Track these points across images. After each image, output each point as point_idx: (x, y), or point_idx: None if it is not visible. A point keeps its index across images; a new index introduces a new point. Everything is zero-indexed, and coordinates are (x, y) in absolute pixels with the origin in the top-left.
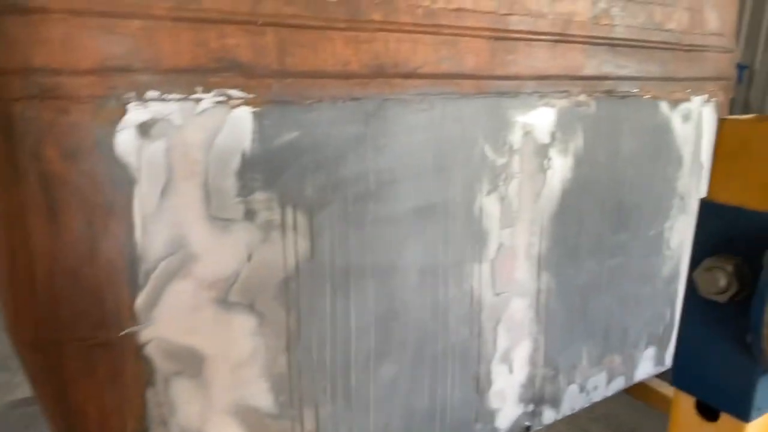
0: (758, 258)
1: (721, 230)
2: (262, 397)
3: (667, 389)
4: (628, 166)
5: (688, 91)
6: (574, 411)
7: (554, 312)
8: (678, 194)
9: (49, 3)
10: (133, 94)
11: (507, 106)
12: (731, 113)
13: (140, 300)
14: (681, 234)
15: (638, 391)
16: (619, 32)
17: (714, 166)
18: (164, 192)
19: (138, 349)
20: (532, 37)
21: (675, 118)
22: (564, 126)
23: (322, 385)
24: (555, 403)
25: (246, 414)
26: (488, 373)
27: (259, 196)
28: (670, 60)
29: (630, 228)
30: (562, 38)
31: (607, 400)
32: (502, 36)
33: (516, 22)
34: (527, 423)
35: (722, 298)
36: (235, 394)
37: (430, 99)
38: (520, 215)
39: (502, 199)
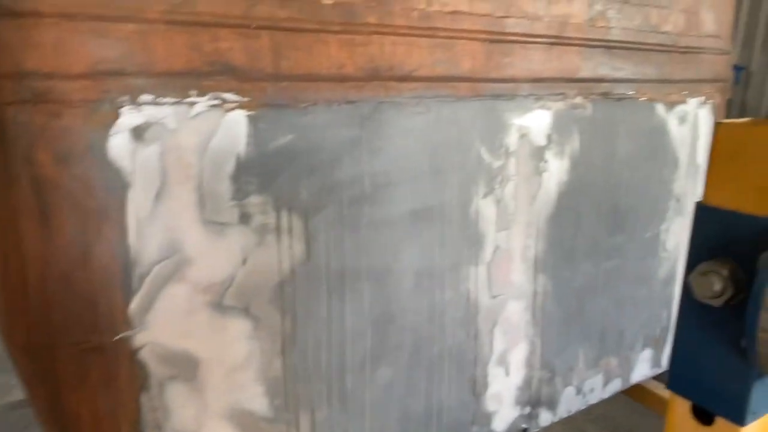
0: (753, 262)
1: (716, 234)
2: (257, 401)
3: (664, 391)
4: (625, 168)
5: (685, 93)
6: (571, 413)
7: (551, 314)
8: (674, 196)
9: (42, 7)
10: (126, 97)
11: (503, 109)
12: (728, 114)
13: (134, 304)
14: (677, 236)
15: (635, 393)
16: (615, 34)
17: (709, 169)
18: (158, 196)
19: (132, 354)
20: (528, 39)
21: (671, 120)
22: (560, 128)
23: (317, 389)
24: (551, 405)
25: (241, 418)
26: (485, 376)
27: (254, 200)
28: (666, 62)
29: (626, 230)
30: (558, 41)
31: (604, 401)
32: (497, 39)
33: (512, 25)
34: (524, 425)
35: (717, 303)
36: (230, 398)
37: (425, 102)
38: (516, 218)
39: (498, 201)
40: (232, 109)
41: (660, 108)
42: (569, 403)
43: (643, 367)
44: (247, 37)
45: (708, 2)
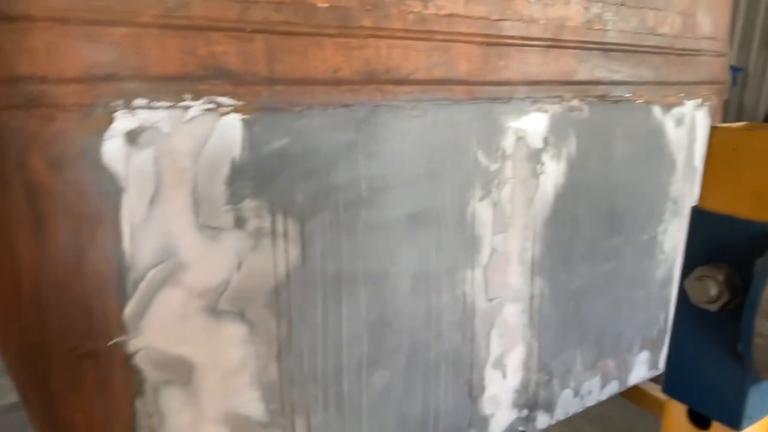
0: (749, 267)
1: (712, 239)
2: (252, 405)
3: (661, 393)
4: (622, 170)
5: (681, 95)
6: (568, 416)
7: (548, 317)
8: (671, 198)
9: (34, 11)
10: (120, 102)
11: (499, 112)
12: (725, 116)
13: (129, 309)
14: (674, 238)
15: (632, 395)
16: (612, 37)
17: (705, 174)
18: (152, 201)
19: (127, 359)
20: (524, 42)
21: (668, 123)
22: (557, 131)
23: (313, 393)
24: (549, 407)
25: (236, 423)
26: (481, 379)
27: (249, 204)
28: (663, 64)
29: (623, 232)
30: (554, 43)
31: (602, 402)
32: (494, 41)
33: (508, 28)
34: (521, 428)
35: (713, 307)
36: (226, 403)
37: (422, 105)
38: (513, 220)
39: (495, 204)
40: (227, 113)
41: (657, 110)
42: (566, 405)
43: (641, 369)
44: (241, 41)
45: (705, 4)
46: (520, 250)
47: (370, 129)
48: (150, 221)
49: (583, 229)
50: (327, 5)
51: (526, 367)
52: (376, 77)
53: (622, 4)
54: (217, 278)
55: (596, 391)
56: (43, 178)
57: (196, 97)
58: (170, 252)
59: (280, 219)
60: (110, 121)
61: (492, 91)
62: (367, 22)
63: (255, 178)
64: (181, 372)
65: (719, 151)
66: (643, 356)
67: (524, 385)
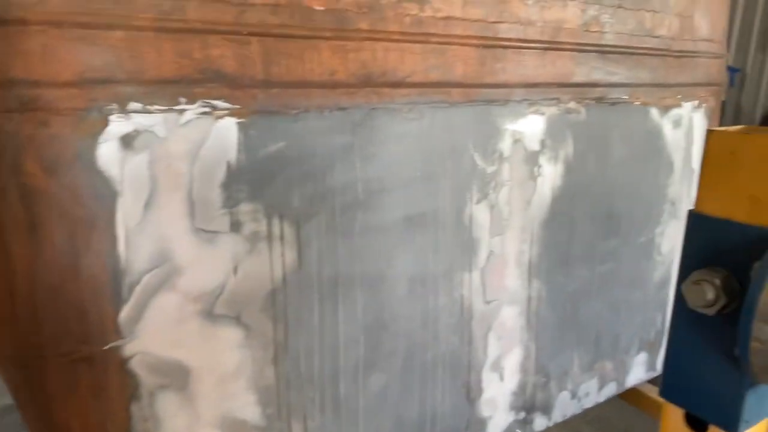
0: (746, 271)
1: (709, 242)
2: (249, 409)
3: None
4: (619, 172)
5: (679, 97)
6: (566, 418)
7: (545, 319)
8: (669, 200)
9: (28, 15)
10: (115, 105)
11: (496, 114)
12: (723, 116)
13: (124, 314)
14: (672, 239)
15: (630, 397)
16: (609, 39)
17: (702, 177)
18: (148, 204)
19: (122, 363)
20: (521, 44)
21: (665, 124)
22: (554, 133)
23: (310, 397)
24: (546, 410)
25: (233, 427)
26: (479, 382)
27: (245, 208)
28: (660, 66)
29: (621, 234)
30: (551, 46)
31: (600, 403)
32: (491, 44)
33: (505, 30)
34: (518, 431)
35: (710, 311)
36: (222, 407)
37: (418, 108)
38: (510, 223)
39: (492, 207)
40: (223, 116)
41: (654, 112)
42: (564, 407)
43: (638, 371)
44: (237, 44)
45: (702, 6)
46: (517, 253)
47: (366, 132)
48: (145, 225)
49: (581, 231)
50: (323, 8)
51: (524, 369)
52: (372, 80)
53: (620, 7)
54: (213, 282)
55: (594, 393)
56: (38, 181)
57: (191, 101)
58: (166, 256)
59: (276, 222)
60: (105, 124)
61: (489, 94)
62: (363, 25)
63: (251, 182)
64: (177, 376)
65: (716, 155)
66: (641, 358)
67: (522, 387)
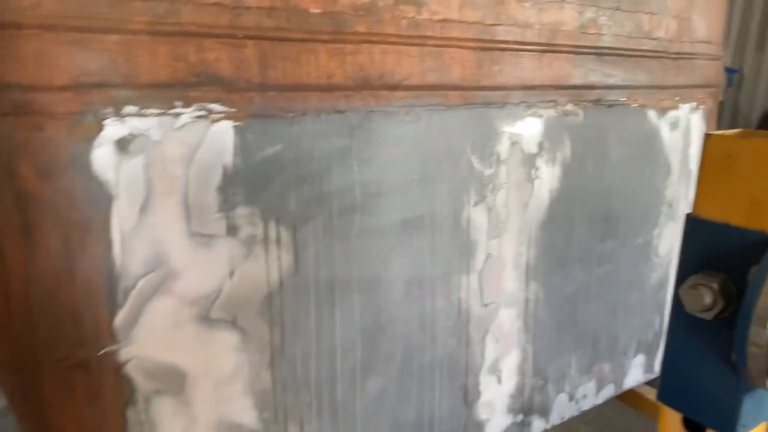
0: (744, 276)
1: (706, 247)
2: (245, 413)
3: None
4: (617, 174)
5: (677, 98)
6: (564, 420)
7: (543, 321)
8: (666, 202)
9: (22, 18)
10: (110, 109)
11: (494, 117)
12: (720, 117)
13: (119, 318)
14: (669, 241)
15: (628, 398)
16: (607, 41)
17: (700, 181)
18: (143, 208)
19: (118, 368)
20: (518, 47)
21: (663, 126)
22: (551, 136)
23: (307, 400)
24: (544, 412)
25: (229, 431)
26: (476, 384)
27: (241, 211)
28: (658, 68)
29: (618, 236)
30: (548, 48)
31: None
32: (488, 46)
33: (502, 33)
34: None
35: (708, 316)
36: (218, 411)
37: (416, 110)
38: (507, 225)
39: (490, 209)
40: (219, 119)
41: (652, 114)
42: (562, 409)
43: (636, 373)
44: (233, 47)
45: (700, 8)
46: (515, 255)
47: (363, 135)
48: (141, 229)
49: (578, 234)
50: (320, 11)
51: (522, 371)
52: (369, 83)
53: (617, 9)
54: (210, 286)
55: (592, 395)
56: (32, 186)
57: (187, 104)
58: (161, 260)
59: (272, 226)
60: (100, 128)
61: (486, 96)
62: (360, 28)
63: (247, 185)
64: (173, 381)
65: (714, 159)
66: (639, 360)
67: (519, 390)
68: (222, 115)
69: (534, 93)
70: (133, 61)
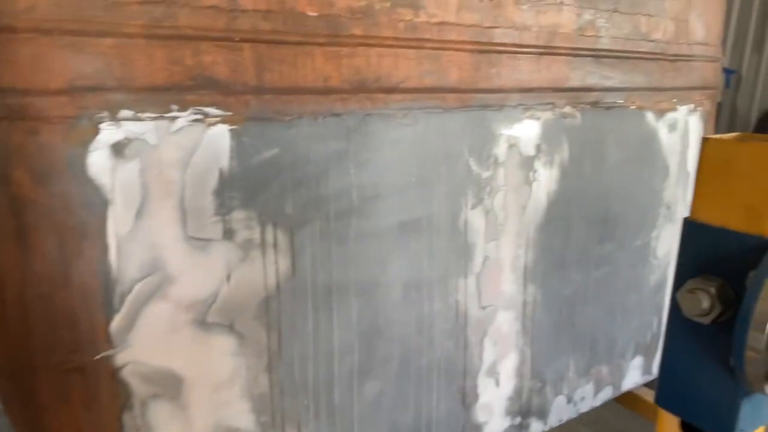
0: (741, 280)
1: (704, 251)
2: (243, 417)
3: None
4: (615, 176)
5: (675, 100)
6: (562, 422)
7: (541, 324)
8: (664, 204)
9: (17, 22)
10: (105, 113)
11: (491, 119)
12: (718, 118)
13: (115, 323)
14: (668, 243)
15: (626, 400)
16: (605, 43)
17: (697, 185)
18: (139, 213)
19: (114, 373)
20: (516, 49)
21: (661, 128)
22: (549, 138)
23: (304, 404)
24: (542, 414)
25: None
26: (474, 387)
27: (238, 215)
28: (656, 70)
29: (616, 238)
30: (546, 50)
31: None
32: (486, 49)
33: (500, 35)
34: None
35: (705, 320)
36: (215, 415)
37: (413, 113)
38: (505, 228)
39: (488, 212)
40: (215, 123)
41: (650, 116)
42: (560, 412)
43: (634, 375)
44: (230, 50)
45: (698, 9)
46: (513, 258)
47: (360, 138)
48: (137, 233)
49: (576, 236)
50: (316, 14)
51: (520, 374)
52: (366, 86)
53: (615, 11)
54: (206, 290)
55: (590, 397)
56: (27, 191)
57: (183, 108)
58: (158, 264)
59: (269, 229)
60: (96, 132)
61: (484, 99)
62: (357, 31)
63: (244, 189)
64: (170, 385)
65: (712, 163)
66: (637, 361)
67: (517, 392)
68: (218, 118)
69: (532, 95)
70: (129, 65)
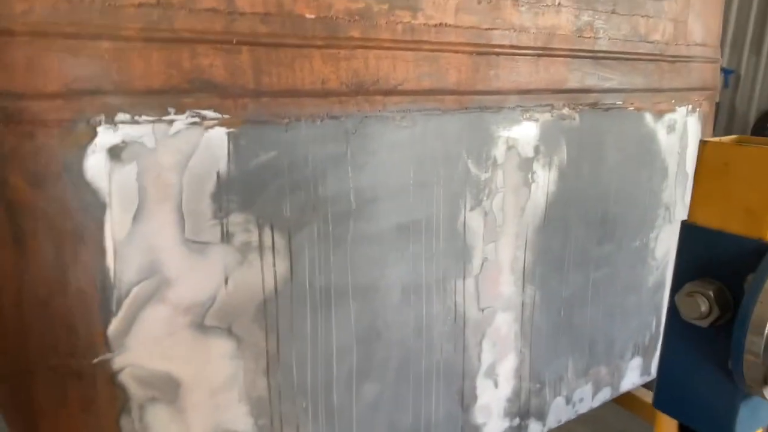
0: (739, 283)
1: (702, 254)
2: (241, 421)
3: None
4: (613, 177)
5: (673, 101)
6: (560, 423)
7: (539, 325)
8: (663, 204)
9: (13, 25)
10: (102, 117)
11: (490, 121)
12: (717, 118)
13: (113, 327)
14: (666, 244)
15: (624, 401)
16: (603, 45)
17: (695, 188)
18: (137, 216)
19: (111, 377)
20: (514, 51)
21: (660, 129)
22: (548, 139)
23: (303, 407)
24: (541, 416)
25: None
26: (473, 389)
27: (235, 218)
28: (654, 71)
29: (615, 239)
30: (545, 52)
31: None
32: (484, 51)
33: (498, 37)
34: None
35: (703, 323)
36: (213, 418)
37: (411, 115)
38: (504, 229)
39: (486, 214)
40: (212, 126)
41: (648, 117)
42: (558, 413)
43: (633, 376)
44: (227, 53)
45: (696, 10)
46: (511, 259)
47: (358, 140)
48: (134, 237)
49: (575, 237)
50: (314, 16)
51: (518, 375)
52: (364, 88)
53: (613, 12)
54: (204, 293)
55: (588, 398)
56: (23, 195)
57: (180, 111)
58: (155, 268)
59: (267, 232)
60: (93, 136)
61: (482, 101)
62: (355, 33)
63: (242, 192)
64: (168, 389)
65: (710, 166)
66: (636, 362)
67: (516, 393)
68: (216, 121)
69: (530, 97)
70: (126, 68)
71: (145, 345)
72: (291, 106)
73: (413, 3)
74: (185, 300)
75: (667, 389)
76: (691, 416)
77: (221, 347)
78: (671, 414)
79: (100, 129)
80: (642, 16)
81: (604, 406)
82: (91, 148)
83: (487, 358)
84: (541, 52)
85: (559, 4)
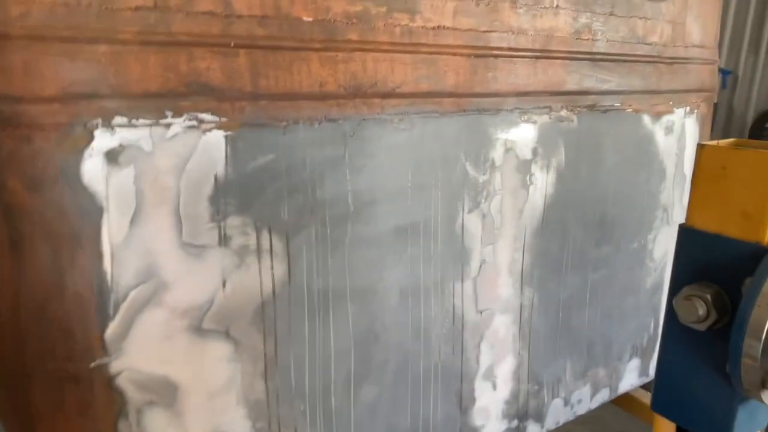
0: (737, 287)
1: (700, 257)
2: (239, 424)
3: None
4: (611, 179)
5: (671, 103)
6: (559, 425)
7: (538, 327)
8: (661, 206)
9: (10, 29)
10: (99, 120)
11: (488, 123)
12: (714, 119)
13: (110, 330)
14: (664, 245)
15: (623, 402)
16: (601, 47)
17: (693, 192)
18: (134, 220)
19: (109, 381)
20: (512, 53)
21: (657, 131)
22: (546, 141)
23: (301, 410)
24: (539, 417)
25: None
26: (471, 391)
27: (233, 221)
28: (652, 73)
29: (613, 241)
30: (543, 54)
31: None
32: (482, 53)
33: (496, 39)
34: None
35: (701, 327)
36: (211, 422)
37: (409, 118)
38: (502, 232)
39: (484, 216)
40: (210, 129)
41: (646, 119)
42: (557, 414)
43: (631, 377)
44: (225, 56)
45: (694, 12)
46: (509, 262)
47: (356, 143)
48: (131, 241)
49: (573, 239)
50: (312, 19)
51: (516, 377)
52: (362, 91)
53: (611, 14)
54: (202, 297)
55: (587, 400)
56: (20, 198)
57: (178, 114)
58: (153, 271)
59: (265, 235)
60: (90, 139)
61: (480, 103)
62: (353, 36)
63: (239, 195)
64: (165, 392)
65: (708, 170)
66: (634, 364)
67: (514, 395)
68: (213, 124)
69: (528, 99)
70: (123, 72)
71: (143, 349)
72: (289, 109)
73: (411, 6)
74: (183, 303)
75: (665, 392)
76: (689, 419)
77: (219, 350)
78: (669, 417)
79: (97, 132)
80: (640, 18)
81: (603, 407)
82: (88, 152)
83: (485, 360)
84: (539, 54)
85: (557, 6)
